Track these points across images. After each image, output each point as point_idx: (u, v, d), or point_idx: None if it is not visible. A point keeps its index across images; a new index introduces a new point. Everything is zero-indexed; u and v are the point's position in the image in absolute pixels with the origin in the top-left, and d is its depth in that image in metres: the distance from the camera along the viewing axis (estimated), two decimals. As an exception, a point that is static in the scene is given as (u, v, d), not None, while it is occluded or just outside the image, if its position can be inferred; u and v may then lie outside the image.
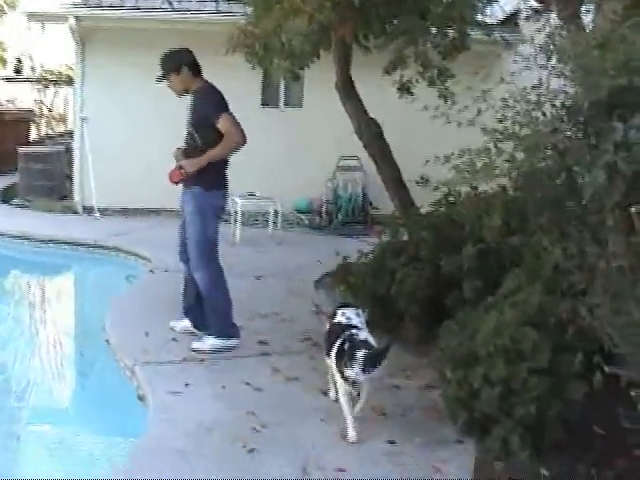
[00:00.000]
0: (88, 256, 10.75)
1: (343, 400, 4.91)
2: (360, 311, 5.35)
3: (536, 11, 8.88)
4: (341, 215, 12.43)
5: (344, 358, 4.76)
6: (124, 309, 7.61)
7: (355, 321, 5.16)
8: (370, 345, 4.85)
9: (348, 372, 4.71)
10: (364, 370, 4.68)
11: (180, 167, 6.25)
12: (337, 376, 4.92)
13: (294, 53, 5.75)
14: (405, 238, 7.37)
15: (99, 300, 8.75)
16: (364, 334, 5.00)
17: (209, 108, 6.26)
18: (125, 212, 12.92)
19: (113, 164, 12.79)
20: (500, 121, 4.02)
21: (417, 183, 7.12)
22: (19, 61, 24.01)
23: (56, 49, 20.62)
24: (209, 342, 6.38)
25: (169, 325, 6.86)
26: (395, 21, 7.03)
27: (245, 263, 9.57)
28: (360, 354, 4.68)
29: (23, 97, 20.91)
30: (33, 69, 22.96)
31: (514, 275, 5.67)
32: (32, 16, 12.79)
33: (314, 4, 5.37)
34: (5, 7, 22.45)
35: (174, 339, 6.59)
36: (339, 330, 5.07)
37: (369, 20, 6.01)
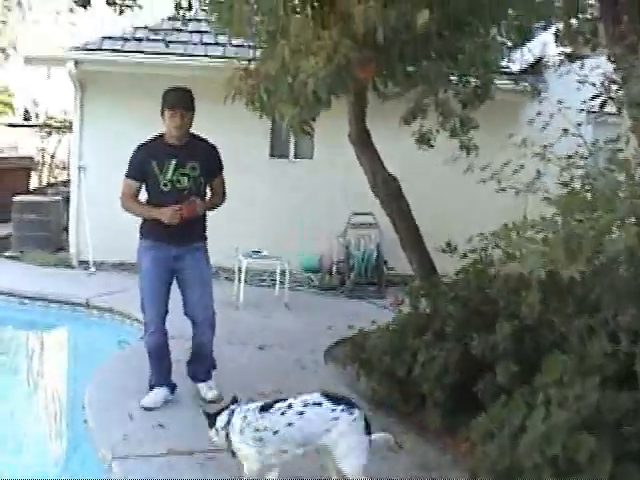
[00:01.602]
0: (78, 316, 9.88)
1: None
2: (340, 410, 4.50)
3: (568, 55, 8.16)
4: (353, 275, 11.53)
5: None
6: (107, 382, 6.74)
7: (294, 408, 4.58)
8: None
9: None
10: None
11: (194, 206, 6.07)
12: None
13: (307, 99, 4.88)
14: (427, 309, 6.55)
15: (85, 368, 7.88)
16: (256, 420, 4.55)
17: (219, 162, 6.38)
18: (122, 267, 12.10)
19: (110, 216, 11.91)
20: (565, 185, 3.20)
21: (443, 251, 6.30)
22: (26, 111, 23.54)
23: (61, 95, 20.01)
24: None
25: (142, 405, 6.10)
26: (417, 65, 6.23)
27: (248, 330, 8.74)
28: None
29: (26, 144, 20.22)
30: (37, 115, 22.38)
31: (558, 361, 4.82)
32: (30, 60, 12.10)
33: (329, 41, 4.54)
34: (8, 50, 21.88)
35: (160, 425, 5.72)
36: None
37: (391, 62, 5.17)
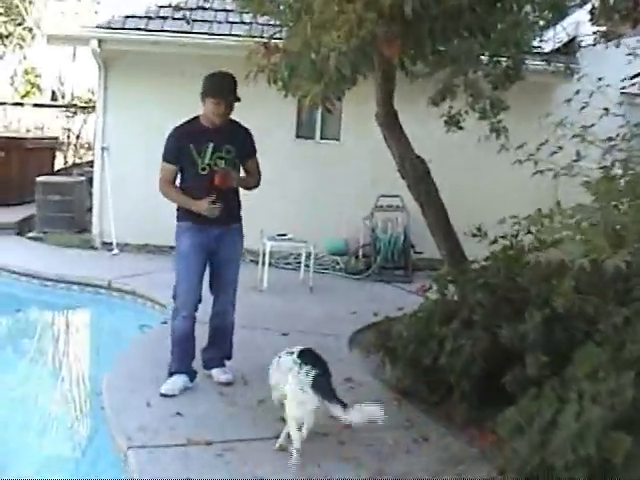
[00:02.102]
0: (100, 299, 9.76)
1: None
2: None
3: (605, 34, 7.90)
4: (380, 259, 11.29)
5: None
6: (127, 369, 6.57)
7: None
8: None
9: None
10: None
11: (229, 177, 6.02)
12: None
13: (330, 76, 4.63)
14: (454, 296, 6.34)
15: (106, 353, 7.77)
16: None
17: (252, 144, 6.32)
18: (145, 248, 11.98)
19: (134, 197, 11.85)
20: (605, 169, 2.97)
21: (473, 235, 6.08)
22: (54, 92, 23.50)
23: (87, 74, 19.89)
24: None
25: (161, 392, 5.93)
26: (447, 43, 5.98)
27: (271, 314, 8.56)
28: None
29: (52, 124, 20.12)
30: (63, 95, 22.30)
31: (591, 353, 4.60)
32: (53, 38, 11.91)
33: (353, 15, 4.29)
34: (35, 30, 21.76)
35: (179, 413, 5.55)
36: None
37: (420, 38, 4.90)
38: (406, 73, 5.69)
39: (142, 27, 11.51)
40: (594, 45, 7.97)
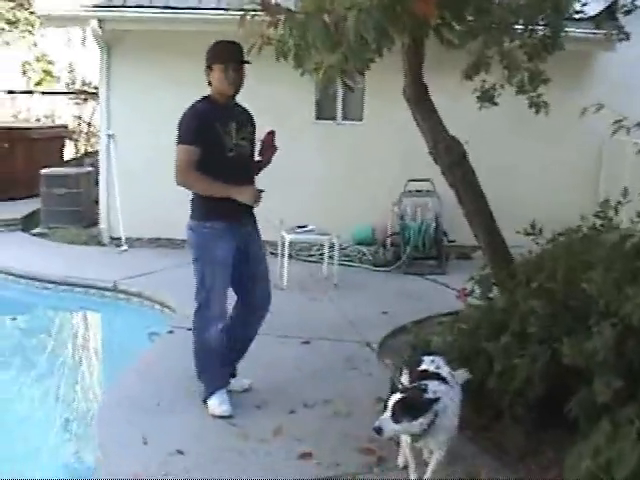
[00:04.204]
0: (104, 302, 8.87)
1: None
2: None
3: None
4: (410, 249, 10.34)
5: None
6: (124, 394, 5.68)
7: (444, 372, 4.33)
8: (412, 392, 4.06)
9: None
10: (394, 418, 3.85)
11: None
12: None
13: (348, 42, 3.63)
14: (500, 301, 5.42)
15: (107, 368, 6.93)
16: (449, 390, 4.18)
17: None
18: (157, 242, 11.15)
19: (144, 187, 10.99)
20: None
21: (527, 234, 5.17)
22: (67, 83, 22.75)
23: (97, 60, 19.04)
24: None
25: (217, 414, 5.26)
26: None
27: (292, 318, 7.60)
28: (392, 399, 3.92)
29: (62, 113, 19.30)
30: (74, 82, 21.49)
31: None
32: (49, 19, 11.05)
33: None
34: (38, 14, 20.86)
35: (179, 451, 4.69)
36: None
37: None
38: (441, 40, 4.74)
39: (145, 4, 10.60)
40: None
